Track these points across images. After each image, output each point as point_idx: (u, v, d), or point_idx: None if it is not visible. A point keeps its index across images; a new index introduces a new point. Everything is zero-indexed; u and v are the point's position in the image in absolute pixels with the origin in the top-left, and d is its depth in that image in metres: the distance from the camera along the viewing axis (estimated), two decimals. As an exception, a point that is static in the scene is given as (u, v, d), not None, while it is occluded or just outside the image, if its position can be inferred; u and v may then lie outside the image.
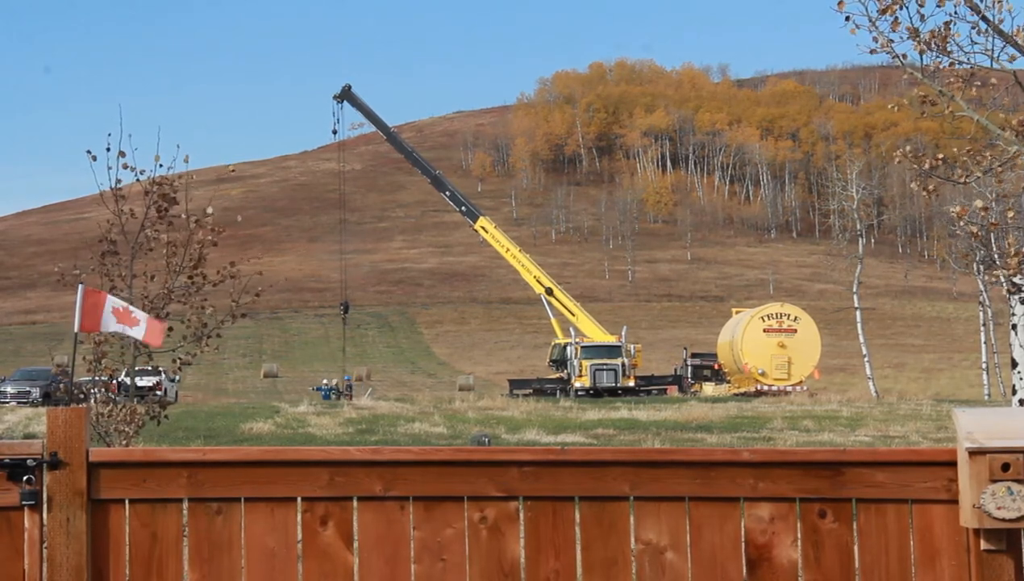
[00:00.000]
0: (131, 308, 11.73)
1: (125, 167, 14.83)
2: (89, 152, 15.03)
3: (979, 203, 15.06)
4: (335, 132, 66.67)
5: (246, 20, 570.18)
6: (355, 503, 4.06)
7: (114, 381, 14.77)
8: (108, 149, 14.83)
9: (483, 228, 69.74)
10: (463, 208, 71.04)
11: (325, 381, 71.56)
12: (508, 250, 69.59)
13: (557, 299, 67.90)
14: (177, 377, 45.80)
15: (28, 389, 51.31)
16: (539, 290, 68.12)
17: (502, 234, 71.00)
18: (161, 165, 14.91)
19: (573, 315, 67.16)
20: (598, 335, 65.03)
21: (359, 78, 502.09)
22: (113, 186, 14.84)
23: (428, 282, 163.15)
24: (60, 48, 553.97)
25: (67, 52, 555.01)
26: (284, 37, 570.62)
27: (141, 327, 11.50)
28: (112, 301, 11.67)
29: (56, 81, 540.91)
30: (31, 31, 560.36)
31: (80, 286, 11.57)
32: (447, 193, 71.65)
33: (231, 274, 15.10)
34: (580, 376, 61.00)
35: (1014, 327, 10.63)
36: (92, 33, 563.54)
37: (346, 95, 67.48)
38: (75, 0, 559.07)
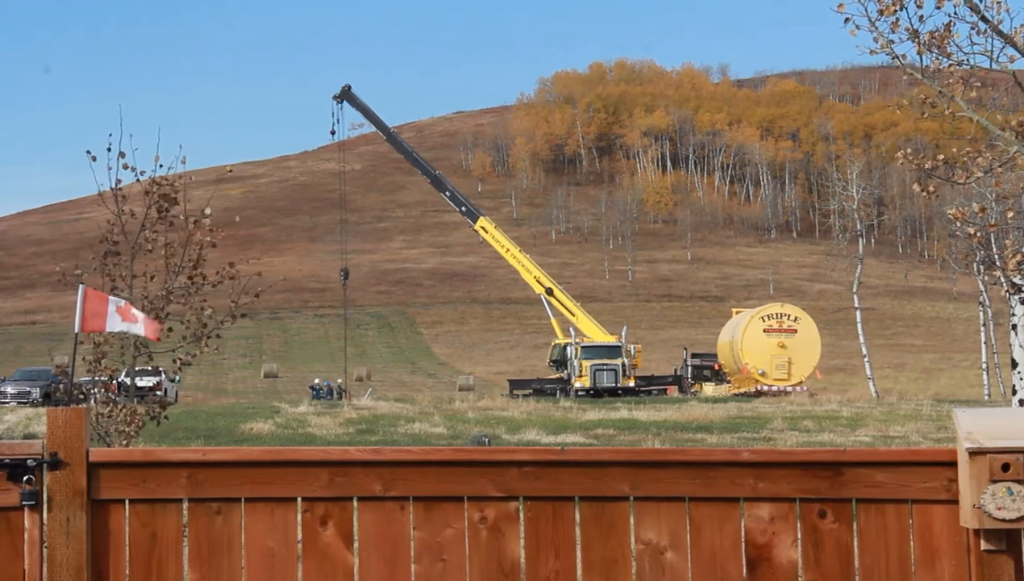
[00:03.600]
0: (131, 306, 11.86)
1: (125, 167, 14.82)
2: (89, 152, 15.01)
3: (976, 206, 15.06)
4: (333, 133, 66.75)
5: (246, 20, 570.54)
6: (355, 503, 4.06)
7: (114, 381, 14.76)
8: (109, 149, 14.81)
9: (483, 228, 69.72)
10: (463, 208, 71.03)
11: (317, 380, 71.89)
12: (508, 250, 69.57)
13: (557, 299, 67.88)
14: (177, 377, 45.80)
15: (28, 389, 51.31)
16: (539, 290, 68.10)
17: (502, 234, 70.99)
18: (161, 165, 14.91)
19: (573, 315, 67.15)
20: (598, 335, 65.01)
21: (359, 78, 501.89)
22: (113, 186, 14.82)
23: (428, 282, 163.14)
24: (60, 48, 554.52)
25: (67, 52, 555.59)
26: (284, 37, 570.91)
27: (141, 324, 11.67)
28: (114, 300, 11.75)
29: (56, 81, 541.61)
30: (31, 31, 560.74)
31: (80, 286, 11.60)
32: (447, 193, 71.64)
33: (230, 275, 15.08)
34: (580, 376, 60.97)
35: (1014, 327, 10.62)
36: (92, 33, 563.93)
37: (346, 95, 67.48)
38: (75, 0, 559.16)
